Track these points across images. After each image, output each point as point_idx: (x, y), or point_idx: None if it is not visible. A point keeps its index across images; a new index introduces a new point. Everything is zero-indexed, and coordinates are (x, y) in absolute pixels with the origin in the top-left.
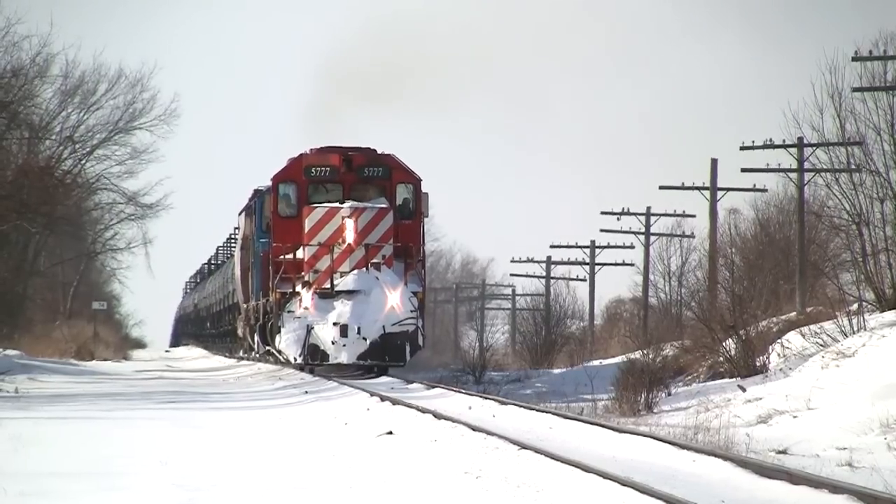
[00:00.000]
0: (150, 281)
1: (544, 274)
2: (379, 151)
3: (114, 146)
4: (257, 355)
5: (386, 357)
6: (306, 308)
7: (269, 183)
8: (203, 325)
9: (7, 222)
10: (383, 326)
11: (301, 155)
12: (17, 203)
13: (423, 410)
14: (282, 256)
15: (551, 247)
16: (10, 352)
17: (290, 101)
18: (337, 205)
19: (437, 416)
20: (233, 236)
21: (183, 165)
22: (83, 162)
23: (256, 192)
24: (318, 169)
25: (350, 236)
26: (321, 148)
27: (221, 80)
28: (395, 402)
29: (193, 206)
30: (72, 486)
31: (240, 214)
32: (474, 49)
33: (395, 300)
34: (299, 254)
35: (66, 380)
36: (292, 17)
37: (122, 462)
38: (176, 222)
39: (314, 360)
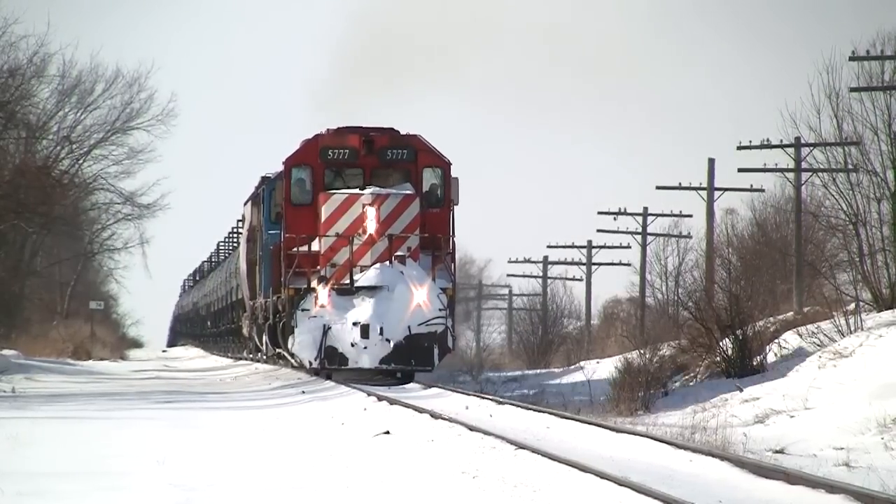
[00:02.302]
0: (148, 281)
1: (541, 274)
2: (402, 132)
3: (111, 146)
4: (265, 357)
5: (412, 361)
6: (323, 306)
7: (277, 171)
8: (203, 324)
9: (4, 222)
10: (409, 327)
11: (316, 136)
12: (14, 203)
13: (420, 410)
14: (295, 249)
15: (548, 247)
16: (7, 351)
17: (289, 101)
18: (357, 191)
19: (434, 415)
20: (236, 230)
21: (180, 165)
22: (80, 162)
23: (264, 179)
24: (336, 151)
25: (371, 226)
26: (339, 128)
27: (218, 80)
28: (392, 401)
29: (191, 206)
30: (69, 486)
31: (245, 204)
32: (472, 48)
33: (421, 297)
34: (315, 246)
35: (63, 379)
36: (291, 16)
37: (118, 462)
38: (173, 222)
39: (332, 364)
